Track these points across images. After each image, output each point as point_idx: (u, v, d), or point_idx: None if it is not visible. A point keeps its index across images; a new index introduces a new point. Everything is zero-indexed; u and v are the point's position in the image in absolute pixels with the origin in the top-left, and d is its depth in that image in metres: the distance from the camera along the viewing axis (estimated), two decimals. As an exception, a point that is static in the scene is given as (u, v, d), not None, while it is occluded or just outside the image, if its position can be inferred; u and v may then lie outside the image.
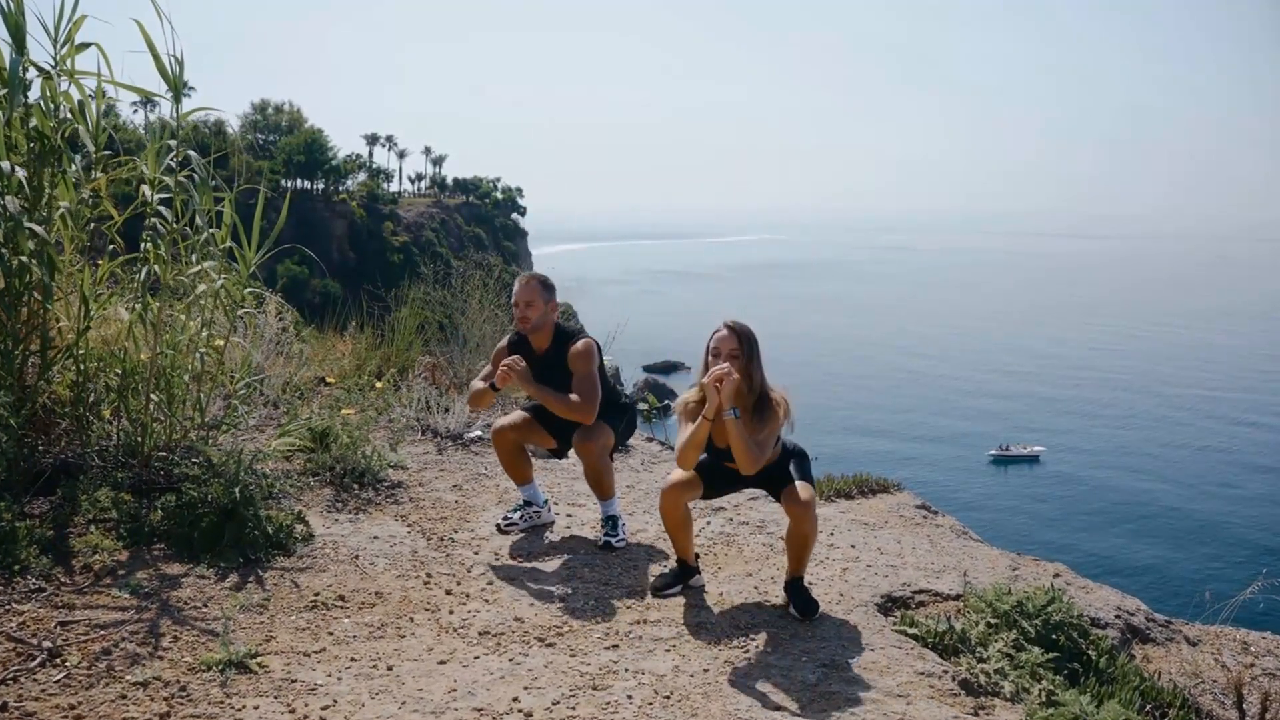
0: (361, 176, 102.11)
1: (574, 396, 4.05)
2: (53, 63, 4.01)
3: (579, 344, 4.15)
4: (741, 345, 3.48)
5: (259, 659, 2.85)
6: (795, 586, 3.59)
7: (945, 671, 3.17)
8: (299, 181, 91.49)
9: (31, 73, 3.97)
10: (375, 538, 4.05)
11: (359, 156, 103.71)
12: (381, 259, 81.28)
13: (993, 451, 46.34)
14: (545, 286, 4.21)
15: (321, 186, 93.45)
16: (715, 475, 3.72)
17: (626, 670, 2.98)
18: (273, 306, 6.73)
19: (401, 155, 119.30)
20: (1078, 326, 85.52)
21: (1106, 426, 51.74)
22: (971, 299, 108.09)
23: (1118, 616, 4.25)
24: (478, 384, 4.23)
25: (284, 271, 72.29)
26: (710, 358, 3.50)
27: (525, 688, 2.83)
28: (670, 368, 59.54)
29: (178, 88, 4.09)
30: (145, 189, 4.16)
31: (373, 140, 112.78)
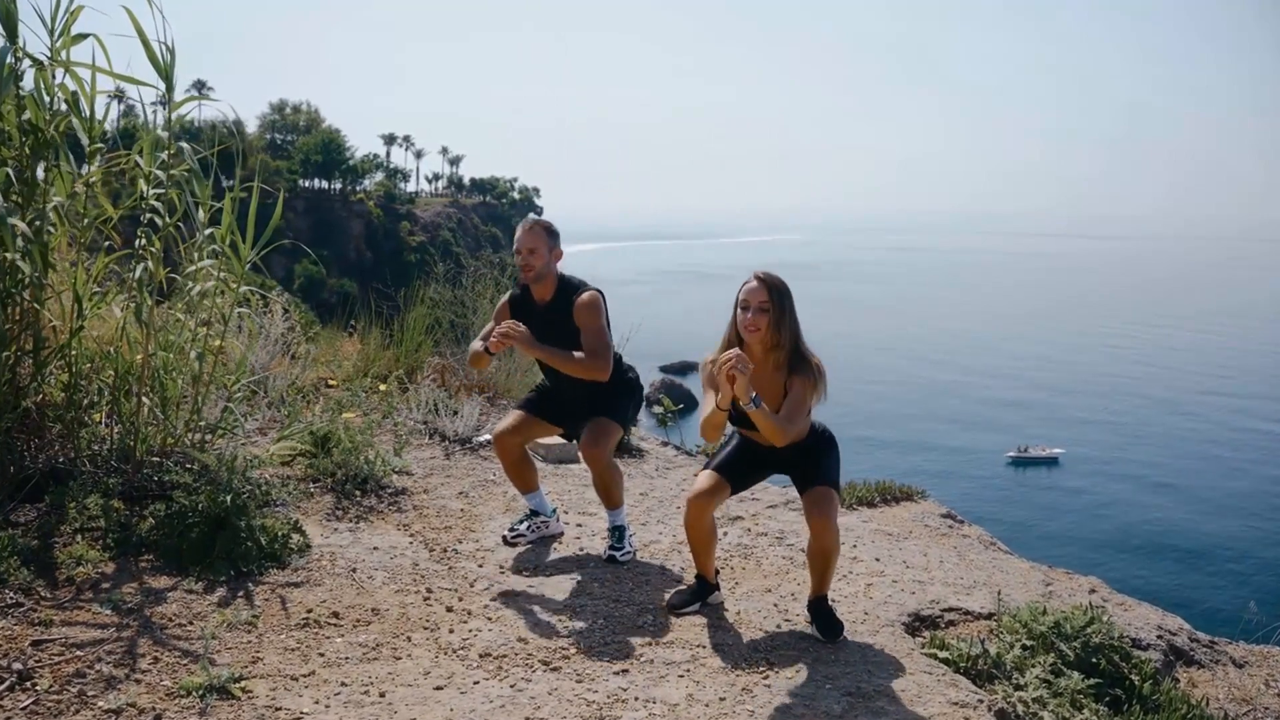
0: (379, 176, 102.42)
1: (581, 355, 3.79)
2: (48, 54, 3.85)
3: (584, 296, 3.86)
4: (772, 298, 3.21)
5: (243, 683, 2.66)
6: (818, 606, 3.38)
7: (980, 701, 2.95)
8: (316, 181, 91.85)
9: (26, 64, 3.82)
10: (375, 549, 3.86)
11: (376, 156, 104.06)
12: (398, 259, 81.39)
13: (1011, 453, 45.84)
14: (549, 233, 3.91)
15: (339, 186, 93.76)
16: (741, 465, 3.45)
17: (636, 699, 2.77)
18: (278, 306, 6.57)
19: (419, 155, 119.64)
20: (1092, 327, 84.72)
21: (1126, 429, 51.07)
22: (983, 300, 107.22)
23: (1159, 637, 4.01)
24: (477, 344, 3.94)
25: (301, 271, 72.64)
26: (739, 310, 3.26)
27: (527, 718, 2.62)
28: (686, 368, 59.25)
29: (169, 77, 3.92)
30: (141, 183, 4.00)
31: (390, 140, 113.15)
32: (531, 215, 4.04)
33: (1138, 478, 42.63)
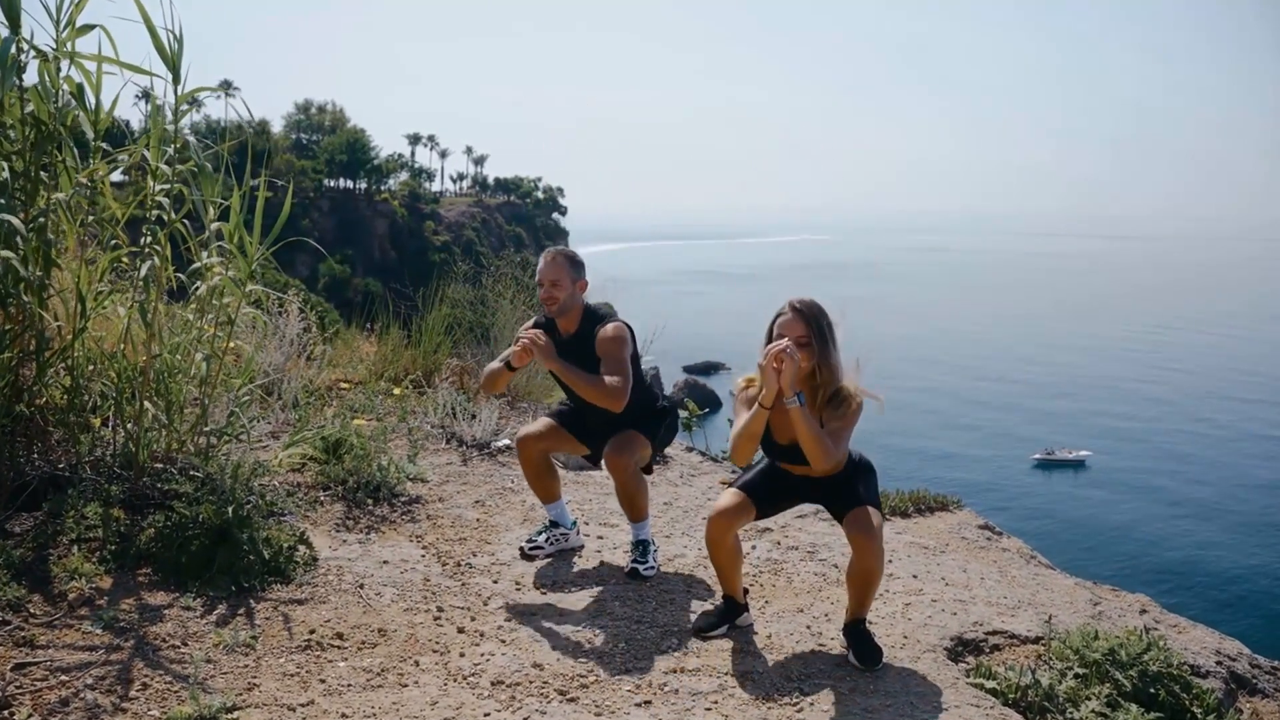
0: (403, 176, 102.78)
1: (599, 378, 3.58)
2: (53, 45, 3.71)
3: (608, 327, 3.69)
4: (810, 330, 2.99)
5: (235, 714, 2.47)
6: (856, 631, 3.15)
7: (1034, 738, 2.71)
8: (341, 181, 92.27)
9: (30, 56, 3.69)
10: (385, 562, 3.67)
11: (401, 156, 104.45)
12: (423, 258, 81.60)
13: (1037, 455, 45.17)
14: (573, 263, 3.75)
15: (364, 186, 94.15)
16: (770, 488, 3.25)
17: (660, 734, 2.56)
18: (294, 305, 6.42)
19: (443, 155, 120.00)
20: (1115, 329, 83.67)
21: (1150, 434, 50.19)
22: (1002, 301, 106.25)
23: (1219, 663, 3.74)
24: (494, 365, 3.77)
25: (326, 270, 72.99)
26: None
27: (541, 755, 2.42)
28: (711, 368, 58.95)
29: (176, 67, 3.75)
30: (149, 179, 3.85)
31: (415, 140, 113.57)
32: (553, 247, 3.90)
33: (1164, 486, 41.82)
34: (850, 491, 3.14)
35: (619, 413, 3.68)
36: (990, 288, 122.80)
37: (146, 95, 3.96)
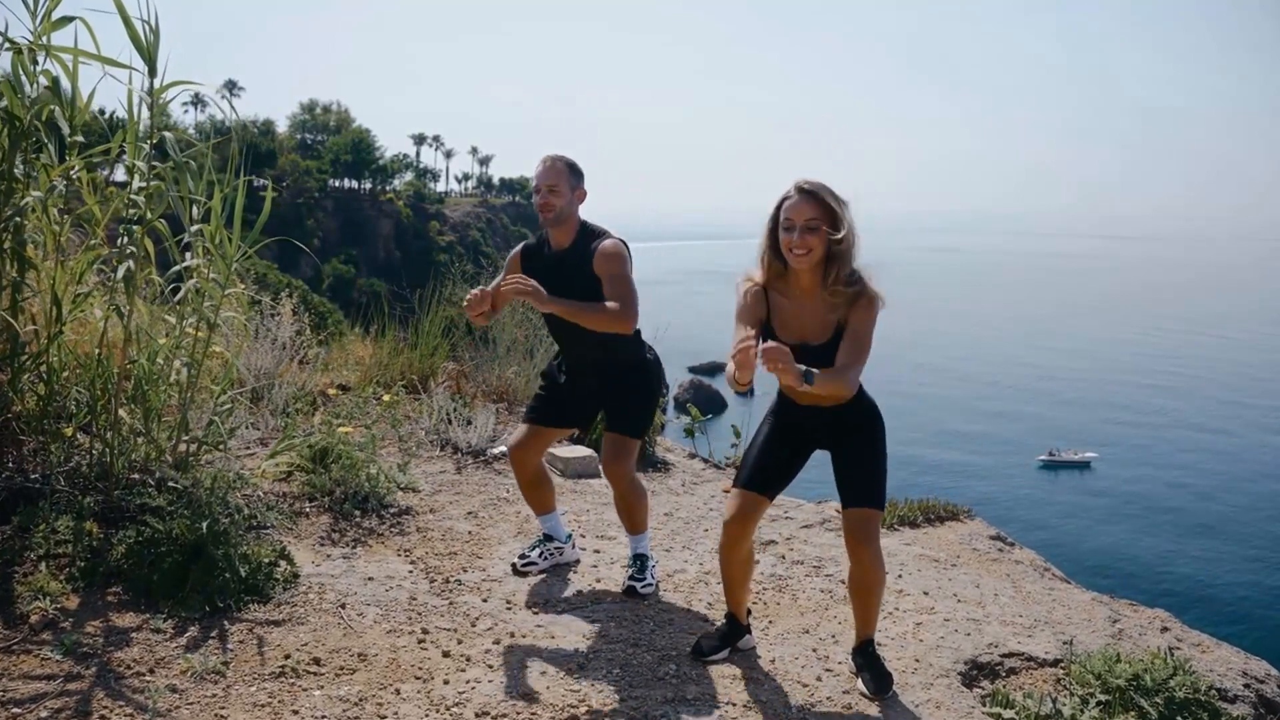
0: (408, 176, 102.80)
1: (604, 305, 3.34)
2: (29, 38, 3.55)
3: (606, 243, 3.43)
4: (821, 212, 2.69)
5: (199, 750, 2.30)
6: (865, 655, 2.97)
7: (1057, 776, 2.53)
8: (346, 181, 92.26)
9: (3, 48, 3.54)
10: (370, 579, 3.49)
11: (406, 156, 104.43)
12: (427, 258, 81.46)
13: (1042, 457, 44.87)
14: (573, 171, 3.49)
15: (369, 186, 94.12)
16: (774, 459, 2.94)
17: (655, 774, 2.38)
18: (287, 307, 6.26)
19: (448, 155, 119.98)
20: (1113, 329, 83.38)
21: (1161, 434, 49.86)
22: (1005, 300, 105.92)
23: (1246, 686, 3.55)
24: (474, 293, 3.45)
25: (330, 270, 72.97)
26: (781, 232, 2.74)
27: (526, 798, 2.24)
28: (715, 369, 58.67)
29: (152, 59, 3.58)
30: (131, 177, 3.70)
31: (420, 140, 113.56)
32: (551, 153, 3.58)
33: (1169, 488, 41.47)
34: (855, 463, 2.87)
35: (612, 361, 3.51)
36: (994, 288, 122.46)
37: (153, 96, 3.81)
